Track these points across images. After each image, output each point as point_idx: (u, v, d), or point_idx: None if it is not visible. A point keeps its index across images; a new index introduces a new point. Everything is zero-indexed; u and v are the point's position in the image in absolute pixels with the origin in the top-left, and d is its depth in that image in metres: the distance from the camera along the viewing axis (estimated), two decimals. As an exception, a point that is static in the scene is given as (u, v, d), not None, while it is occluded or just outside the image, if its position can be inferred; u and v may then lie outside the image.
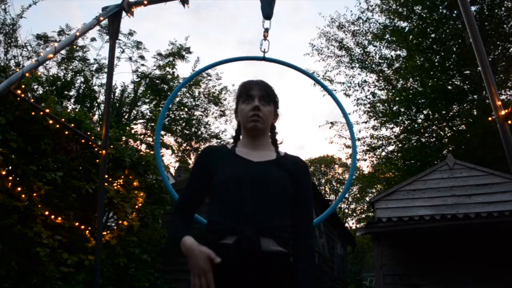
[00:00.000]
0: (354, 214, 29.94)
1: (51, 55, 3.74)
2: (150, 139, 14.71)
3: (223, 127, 23.20)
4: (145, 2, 4.06)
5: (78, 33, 3.89)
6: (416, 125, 14.12)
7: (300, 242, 1.53)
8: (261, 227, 1.43)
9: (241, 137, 1.70)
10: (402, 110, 13.86)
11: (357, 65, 15.59)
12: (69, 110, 7.51)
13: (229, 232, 1.43)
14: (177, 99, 16.48)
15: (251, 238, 1.39)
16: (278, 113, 1.71)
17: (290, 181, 1.55)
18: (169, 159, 23.80)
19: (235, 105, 1.71)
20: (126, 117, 15.53)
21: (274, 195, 1.49)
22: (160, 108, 14.82)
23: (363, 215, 27.88)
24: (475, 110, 12.90)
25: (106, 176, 4.86)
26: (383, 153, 15.10)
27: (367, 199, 23.43)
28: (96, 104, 14.71)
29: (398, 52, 14.87)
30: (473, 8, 12.13)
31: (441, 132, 14.07)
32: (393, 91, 14.91)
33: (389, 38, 14.59)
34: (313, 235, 1.58)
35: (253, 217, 1.43)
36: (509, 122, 3.17)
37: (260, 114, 1.58)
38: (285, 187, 1.53)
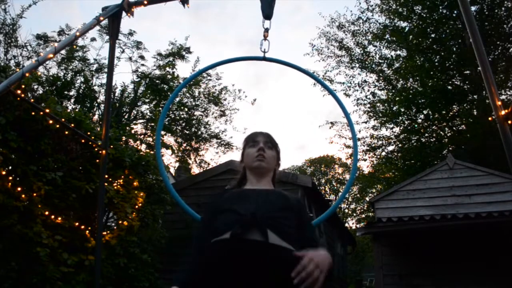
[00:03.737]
0: (354, 214, 29.91)
1: (51, 55, 3.74)
2: (150, 139, 14.70)
3: (223, 127, 23.16)
4: (145, 2, 4.06)
5: (78, 33, 3.90)
6: (416, 125, 14.11)
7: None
8: (265, 219, 1.46)
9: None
10: (402, 110, 13.84)
11: (357, 65, 15.58)
12: (69, 110, 7.49)
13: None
14: (177, 99, 16.46)
15: (255, 218, 1.44)
16: (279, 163, 1.86)
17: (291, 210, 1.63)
18: (169, 159, 23.79)
19: (240, 155, 1.86)
20: (126, 117, 15.52)
21: (276, 203, 1.58)
22: (160, 108, 14.81)
23: (363, 215, 27.86)
24: (475, 110, 12.89)
25: (106, 176, 4.87)
26: (383, 153, 15.10)
27: (367, 199, 23.43)
28: (96, 104, 14.69)
29: (398, 52, 14.86)
30: (473, 8, 12.13)
31: (441, 132, 14.06)
32: (393, 91, 14.89)
33: (389, 38, 14.58)
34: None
35: (256, 212, 1.48)
36: (509, 122, 3.17)
37: (265, 154, 1.74)
38: (287, 201, 1.63)
